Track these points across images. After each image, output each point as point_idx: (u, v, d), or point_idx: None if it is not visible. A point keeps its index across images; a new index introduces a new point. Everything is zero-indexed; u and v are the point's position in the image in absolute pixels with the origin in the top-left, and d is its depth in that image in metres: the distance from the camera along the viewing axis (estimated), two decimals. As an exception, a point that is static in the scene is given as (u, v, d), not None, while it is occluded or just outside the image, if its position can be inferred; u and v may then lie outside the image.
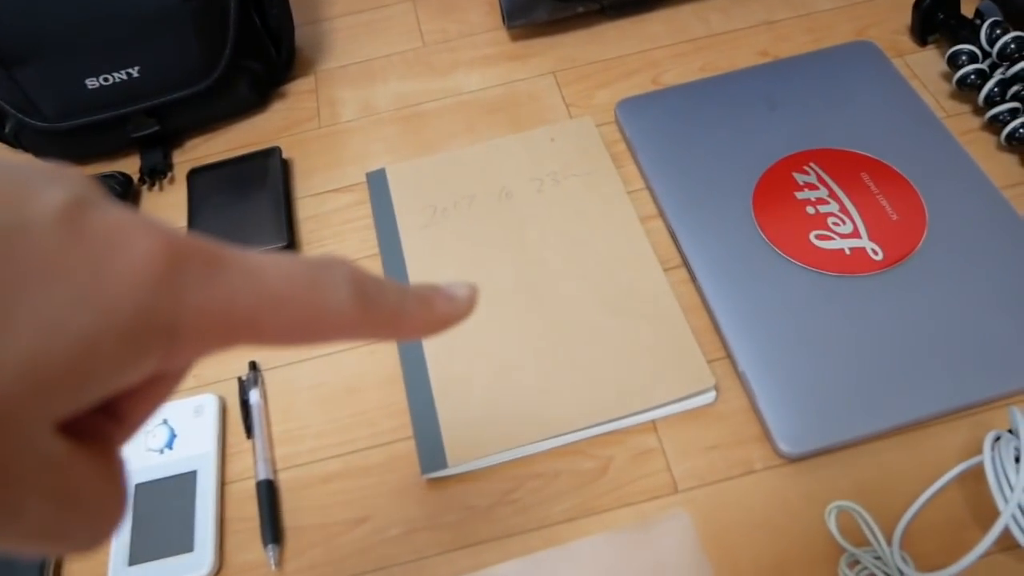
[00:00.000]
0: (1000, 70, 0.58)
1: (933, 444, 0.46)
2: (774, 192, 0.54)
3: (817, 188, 0.54)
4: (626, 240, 0.54)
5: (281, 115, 0.68)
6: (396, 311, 0.19)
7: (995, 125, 0.57)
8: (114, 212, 0.15)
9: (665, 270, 0.53)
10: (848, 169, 0.55)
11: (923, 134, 0.56)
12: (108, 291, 0.14)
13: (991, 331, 0.47)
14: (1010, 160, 0.57)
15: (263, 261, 0.17)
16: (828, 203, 0.53)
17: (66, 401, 0.14)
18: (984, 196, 0.53)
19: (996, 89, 0.57)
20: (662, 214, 0.56)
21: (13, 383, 0.13)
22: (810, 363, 0.47)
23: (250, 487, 0.48)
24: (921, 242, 0.51)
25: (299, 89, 0.69)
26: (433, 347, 0.51)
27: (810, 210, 0.53)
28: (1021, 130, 0.55)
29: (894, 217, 0.52)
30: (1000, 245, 0.51)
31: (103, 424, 0.18)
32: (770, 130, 0.58)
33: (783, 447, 0.45)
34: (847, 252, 0.51)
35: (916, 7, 0.63)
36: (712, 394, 0.48)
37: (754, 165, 0.56)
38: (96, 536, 0.16)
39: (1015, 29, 0.58)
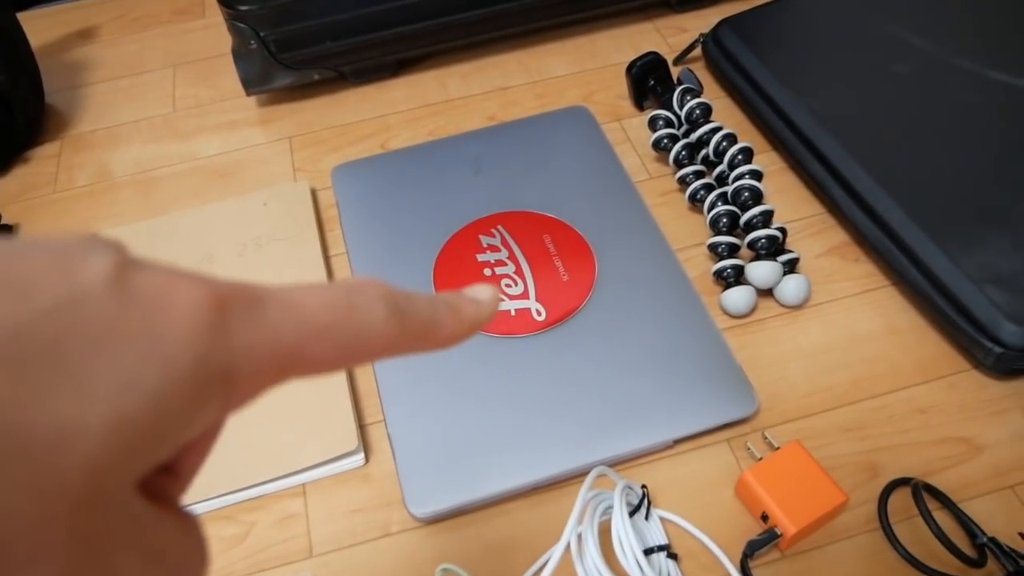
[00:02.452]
0: (687, 134, 0.60)
1: (567, 504, 0.46)
2: (457, 255, 0.55)
3: (499, 250, 0.55)
4: (309, 303, 0.54)
5: (19, 180, 0.68)
6: (429, 322, 0.20)
7: (683, 186, 0.59)
8: (154, 270, 0.15)
9: (349, 332, 0.54)
10: (532, 231, 0.56)
11: (612, 197, 0.58)
12: (167, 346, 0.14)
13: (633, 391, 0.48)
14: (696, 221, 0.59)
15: (299, 293, 0.17)
16: (506, 264, 0.55)
17: (146, 459, 0.14)
18: (656, 258, 0.55)
19: (683, 152, 0.59)
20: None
21: (101, 448, 0.13)
22: (455, 425, 0.48)
23: None
24: (583, 304, 0.52)
25: (43, 154, 0.70)
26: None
27: (487, 272, 0.54)
28: (701, 192, 0.57)
29: (565, 278, 0.54)
30: (660, 306, 0.52)
31: (161, 482, 0.18)
32: (471, 193, 0.59)
33: (412, 509, 0.45)
34: (512, 313, 0.52)
35: (627, 73, 0.65)
36: (360, 457, 0.48)
37: (446, 229, 0.57)
38: None
39: (729, 93, 0.60)
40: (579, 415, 0.48)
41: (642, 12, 0.76)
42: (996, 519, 0.45)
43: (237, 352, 0.16)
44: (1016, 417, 0.49)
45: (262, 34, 0.64)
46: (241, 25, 0.64)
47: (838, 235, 0.58)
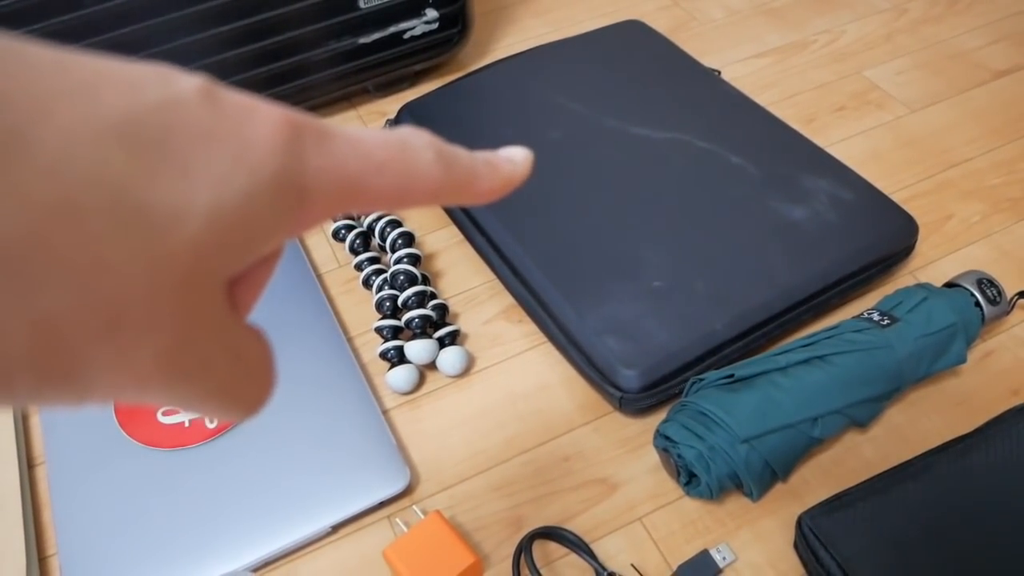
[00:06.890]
0: (360, 223, 0.64)
1: (234, 603, 0.49)
2: (138, 373, 0.58)
3: (179, 362, 0.58)
4: (-8, 442, 0.56)
5: None
6: (470, 173, 0.21)
7: (359, 272, 0.63)
8: (237, 92, 0.17)
9: (39, 465, 0.56)
10: (213, 339, 0.59)
11: (293, 294, 0.62)
12: (254, 154, 0.16)
13: (294, 485, 0.51)
14: (370, 305, 0.62)
15: (360, 132, 0.19)
16: (184, 376, 0.57)
17: (236, 259, 0.16)
18: (327, 349, 0.58)
19: (358, 240, 0.63)
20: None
21: (203, 232, 0.15)
22: (125, 549, 0.50)
23: None
24: (252, 404, 0.55)
25: None
26: None
27: (166, 386, 0.57)
28: (372, 277, 0.61)
29: (239, 382, 0.56)
30: (324, 397, 0.55)
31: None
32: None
33: (75, 637, 0.47)
34: (187, 424, 0.55)
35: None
36: (32, 594, 0.50)
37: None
38: (259, 399, 0.18)
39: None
40: (242, 519, 0.50)
41: (347, 100, 0.80)
42: (625, 552, 0.50)
43: (309, 173, 0.17)
44: (650, 451, 0.54)
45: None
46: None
47: (505, 299, 0.62)
